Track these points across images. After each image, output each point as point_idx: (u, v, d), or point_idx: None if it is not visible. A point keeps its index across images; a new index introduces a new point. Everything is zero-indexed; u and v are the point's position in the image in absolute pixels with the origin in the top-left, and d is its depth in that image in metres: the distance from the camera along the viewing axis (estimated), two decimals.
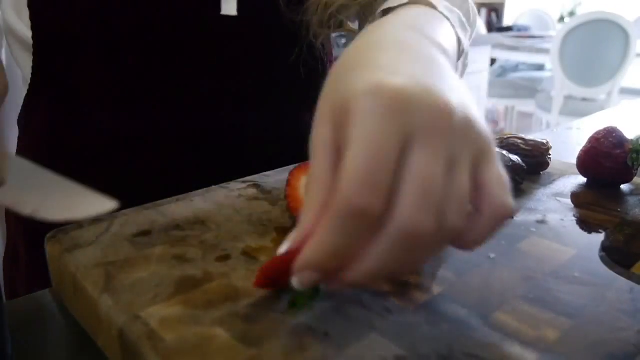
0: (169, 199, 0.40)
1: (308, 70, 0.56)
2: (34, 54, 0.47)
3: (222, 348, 0.24)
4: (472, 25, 0.46)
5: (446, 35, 0.36)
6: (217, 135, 0.53)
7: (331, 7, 0.49)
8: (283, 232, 0.36)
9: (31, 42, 0.47)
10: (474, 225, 0.26)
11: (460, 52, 0.41)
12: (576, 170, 0.49)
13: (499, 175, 0.26)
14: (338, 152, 0.25)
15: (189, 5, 0.48)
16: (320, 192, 0.25)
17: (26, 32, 0.47)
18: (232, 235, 0.35)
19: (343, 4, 0.49)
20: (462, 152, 0.25)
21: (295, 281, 0.25)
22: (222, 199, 0.41)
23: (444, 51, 0.33)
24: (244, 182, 0.45)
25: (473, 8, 0.48)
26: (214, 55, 0.50)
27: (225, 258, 0.32)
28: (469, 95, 0.28)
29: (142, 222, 0.36)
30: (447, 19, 0.39)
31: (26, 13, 0.46)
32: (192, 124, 0.51)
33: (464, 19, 0.42)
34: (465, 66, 0.49)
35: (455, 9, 0.42)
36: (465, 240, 0.26)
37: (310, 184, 0.26)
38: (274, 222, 0.37)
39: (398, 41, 0.31)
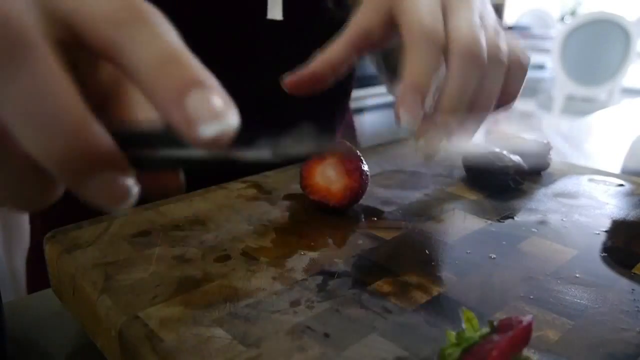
0: (168, 199, 0.40)
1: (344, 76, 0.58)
2: None
3: (222, 348, 0.24)
4: None
5: None
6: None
7: None
8: (282, 232, 0.36)
9: None
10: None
11: None
12: (577, 170, 0.49)
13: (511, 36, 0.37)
14: (367, 33, 0.36)
15: (236, 9, 0.49)
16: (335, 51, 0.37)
17: None
18: (232, 236, 0.35)
19: None
20: (484, 12, 0.36)
21: (403, 116, 0.31)
22: (222, 199, 0.41)
23: None
24: (243, 182, 0.44)
25: None
26: (257, 59, 0.51)
27: (225, 258, 0.32)
28: None
29: (142, 222, 0.36)
30: None
31: None
32: None
33: None
34: None
35: None
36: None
37: (331, 47, 0.37)
38: (274, 222, 0.37)
39: None
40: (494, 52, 0.33)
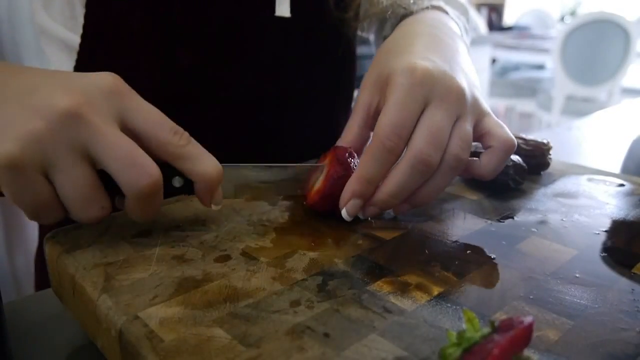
0: (168, 199, 0.40)
1: (344, 69, 0.58)
2: (79, 52, 0.46)
3: (222, 348, 0.24)
4: (471, 30, 0.59)
5: (458, 32, 0.49)
6: (256, 134, 0.54)
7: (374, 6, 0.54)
8: (282, 232, 0.36)
9: (66, 40, 0.46)
10: (490, 156, 0.38)
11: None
12: (577, 170, 0.49)
13: (497, 122, 0.38)
14: (372, 112, 0.39)
15: (244, 6, 0.49)
16: (351, 136, 0.39)
17: (61, 31, 0.46)
18: (232, 236, 0.35)
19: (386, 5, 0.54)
20: (465, 113, 0.36)
21: (343, 212, 0.36)
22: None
23: (464, 42, 0.46)
24: None
25: (472, 17, 0.59)
26: (265, 56, 0.52)
27: (224, 258, 0.32)
28: (475, 77, 0.41)
29: (142, 222, 0.36)
30: (457, 23, 0.51)
31: (58, 11, 0.46)
32: (233, 123, 0.52)
33: (467, 25, 0.56)
34: None
35: (462, 16, 0.55)
36: (485, 169, 0.38)
37: (346, 132, 0.40)
38: (274, 222, 0.37)
39: (428, 34, 0.43)
40: (448, 163, 0.35)
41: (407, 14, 0.54)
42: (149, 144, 0.31)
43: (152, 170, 0.30)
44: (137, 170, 0.29)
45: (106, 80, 0.31)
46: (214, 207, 0.35)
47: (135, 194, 0.30)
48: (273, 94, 0.54)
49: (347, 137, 0.40)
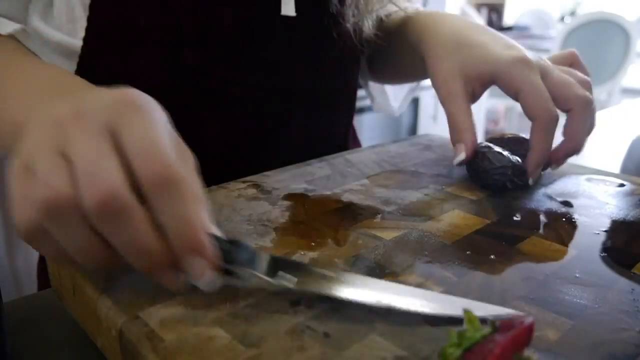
0: None
1: (348, 70, 0.58)
2: (81, 55, 0.46)
3: (222, 348, 0.24)
4: None
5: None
6: (261, 133, 0.54)
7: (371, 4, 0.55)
8: (282, 232, 0.36)
9: (65, 44, 0.46)
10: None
11: None
12: (577, 170, 0.49)
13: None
14: (471, 101, 0.46)
15: (250, 6, 0.49)
16: (470, 126, 0.45)
17: (59, 36, 0.46)
18: (232, 235, 0.35)
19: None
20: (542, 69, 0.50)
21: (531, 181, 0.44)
22: (222, 199, 0.41)
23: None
24: (243, 182, 0.44)
25: None
26: (271, 55, 0.52)
27: None
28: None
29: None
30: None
31: (56, 17, 0.46)
32: (239, 122, 0.52)
33: None
34: None
35: None
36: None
37: (463, 124, 0.45)
38: (274, 222, 0.37)
39: (475, 26, 0.51)
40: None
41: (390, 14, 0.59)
42: (133, 169, 0.25)
43: (114, 182, 0.24)
44: (96, 176, 0.24)
45: (115, 93, 0.27)
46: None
47: (91, 209, 0.24)
48: (280, 94, 0.54)
49: (468, 129, 0.45)
